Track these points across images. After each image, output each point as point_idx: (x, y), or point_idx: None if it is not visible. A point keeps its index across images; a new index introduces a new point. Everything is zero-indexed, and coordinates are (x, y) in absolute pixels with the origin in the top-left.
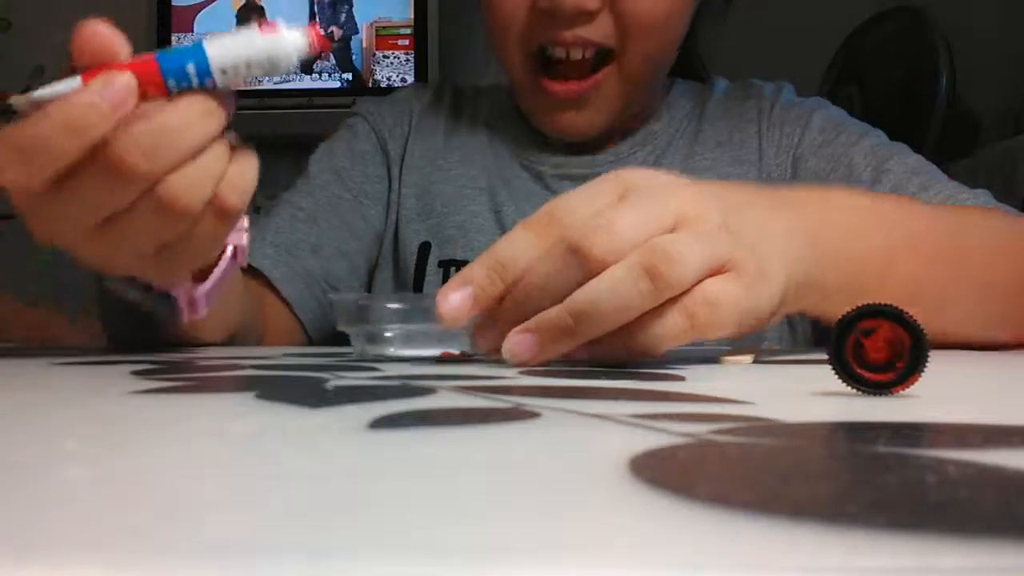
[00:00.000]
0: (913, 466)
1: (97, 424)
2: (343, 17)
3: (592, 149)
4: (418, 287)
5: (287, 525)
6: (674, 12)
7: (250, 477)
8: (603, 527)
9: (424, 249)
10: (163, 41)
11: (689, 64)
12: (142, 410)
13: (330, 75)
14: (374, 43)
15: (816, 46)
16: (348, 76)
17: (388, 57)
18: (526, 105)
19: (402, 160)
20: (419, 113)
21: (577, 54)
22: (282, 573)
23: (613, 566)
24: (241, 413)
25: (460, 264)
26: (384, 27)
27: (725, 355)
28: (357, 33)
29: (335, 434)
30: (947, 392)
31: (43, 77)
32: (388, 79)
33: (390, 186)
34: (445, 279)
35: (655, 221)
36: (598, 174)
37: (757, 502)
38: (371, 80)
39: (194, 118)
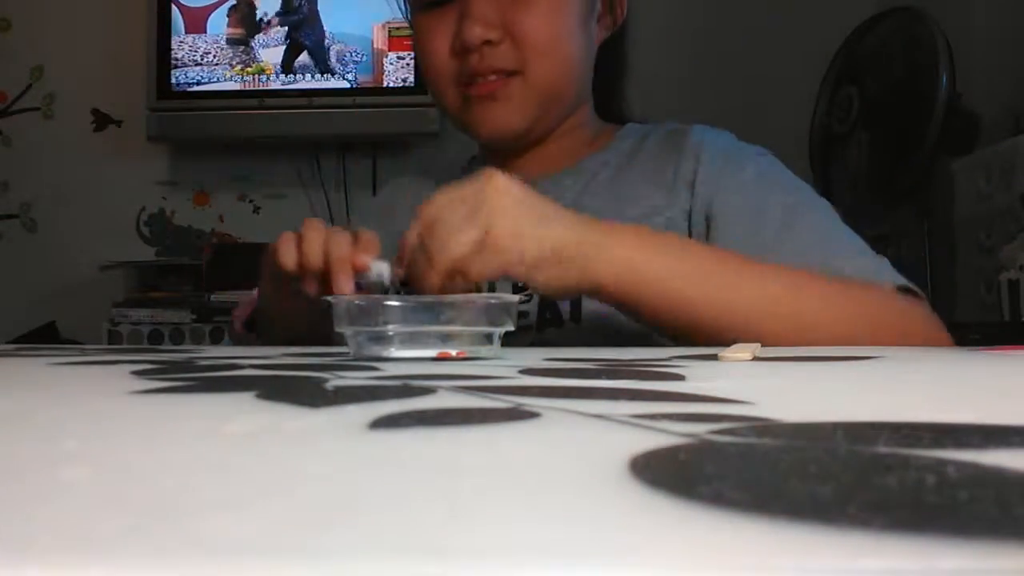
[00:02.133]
0: (913, 467)
1: (97, 424)
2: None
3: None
4: None
5: (287, 525)
6: (567, 35)
7: (250, 477)
8: (603, 527)
9: None
10: (163, 41)
11: (618, 112)
12: (142, 410)
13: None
14: (386, 44)
15: (816, 46)
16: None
17: (402, 58)
18: (461, 121)
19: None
20: (381, 208)
21: (491, 85)
22: (282, 573)
23: (613, 566)
24: (241, 413)
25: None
26: (396, 28)
27: (725, 352)
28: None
29: (335, 434)
30: (947, 392)
31: (42, 77)
32: (404, 80)
33: None
34: None
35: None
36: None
37: (756, 502)
38: (383, 80)
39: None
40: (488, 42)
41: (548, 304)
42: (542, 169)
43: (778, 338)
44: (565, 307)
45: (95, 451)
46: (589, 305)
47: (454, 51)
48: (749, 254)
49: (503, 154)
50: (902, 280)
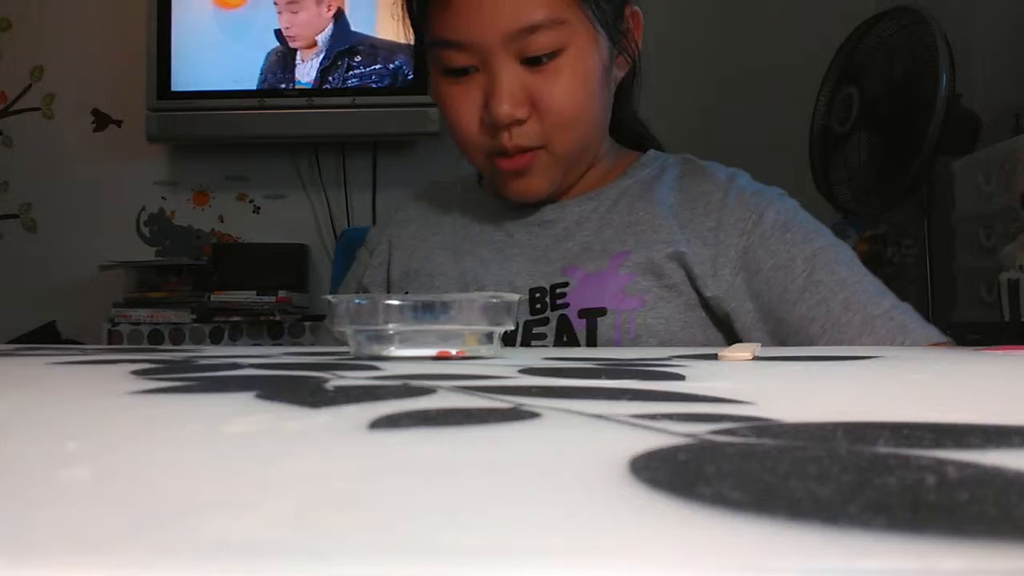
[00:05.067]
0: (913, 467)
1: (98, 424)
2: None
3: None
4: None
5: (289, 525)
6: (586, 106)
7: (251, 477)
8: (603, 527)
9: None
10: (163, 41)
11: (631, 132)
12: (143, 410)
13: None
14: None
15: (816, 46)
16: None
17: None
18: (492, 183)
19: (388, 261)
20: (396, 221)
21: (518, 162)
22: (283, 573)
23: (613, 566)
24: (242, 413)
25: None
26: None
27: (725, 352)
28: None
29: (336, 434)
30: (947, 392)
31: (42, 77)
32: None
33: (389, 290)
34: None
35: None
36: (547, 219)
37: (757, 503)
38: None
39: None
40: (516, 120)
41: (565, 328)
42: (568, 196)
43: None
44: (582, 334)
45: (96, 451)
46: (607, 333)
47: (483, 123)
48: (782, 307)
49: None
50: (932, 329)
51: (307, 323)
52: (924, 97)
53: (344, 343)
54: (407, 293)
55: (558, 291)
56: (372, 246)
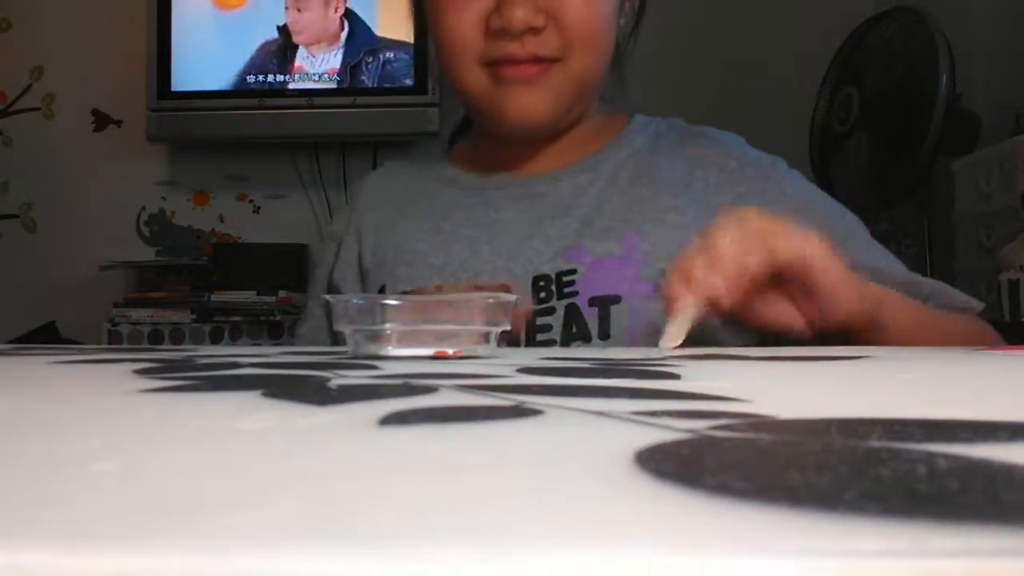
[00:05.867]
0: (905, 459)
1: (105, 422)
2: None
3: (534, 169)
4: None
5: (303, 521)
6: (607, 23)
7: (265, 474)
8: (614, 515)
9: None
10: (163, 41)
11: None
12: (149, 408)
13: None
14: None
15: (816, 46)
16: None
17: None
18: (483, 104)
19: (359, 252)
20: (361, 208)
21: (529, 69)
22: (302, 569)
23: (626, 551)
24: (249, 411)
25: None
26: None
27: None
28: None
29: (346, 431)
30: (939, 390)
31: (42, 77)
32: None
33: (363, 280)
34: None
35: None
36: (537, 192)
37: (759, 492)
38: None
39: None
40: (531, 28)
41: (574, 317)
42: (555, 163)
43: None
44: (593, 323)
45: (106, 448)
46: (620, 322)
47: (486, 30)
48: None
49: (508, 145)
50: (967, 297)
51: None
52: (924, 97)
53: (324, 343)
54: (384, 286)
55: (565, 279)
56: (337, 237)
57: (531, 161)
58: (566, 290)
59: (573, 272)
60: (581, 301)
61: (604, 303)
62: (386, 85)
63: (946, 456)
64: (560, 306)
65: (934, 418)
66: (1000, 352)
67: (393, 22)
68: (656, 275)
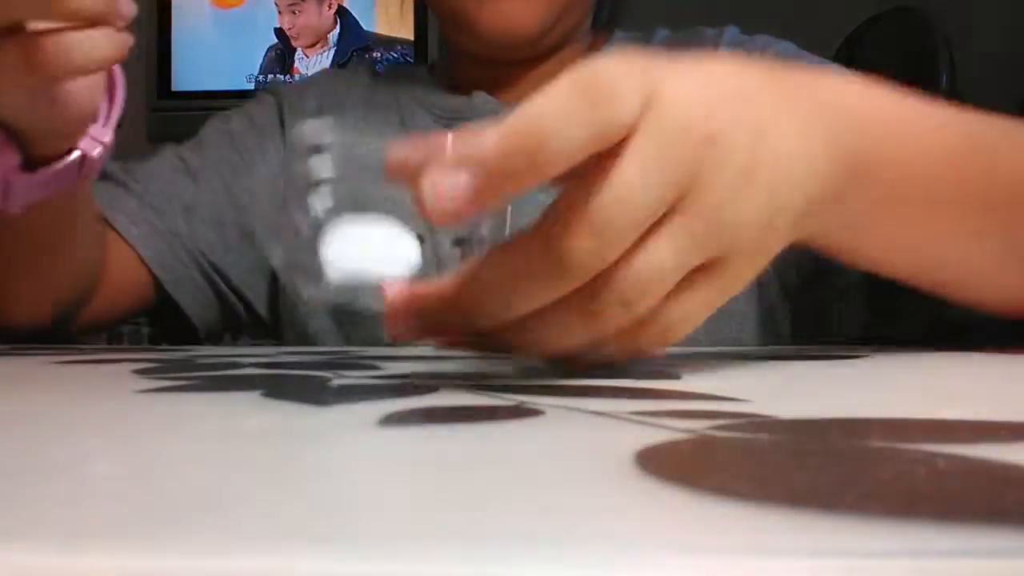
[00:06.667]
0: (905, 459)
1: (108, 422)
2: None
3: (511, 98)
4: None
5: (308, 520)
6: None
7: (266, 474)
8: (617, 515)
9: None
10: (163, 41)
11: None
12: (151, 408)
13: None
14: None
15: (816, 46)
16: None
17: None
18: (462, 14)
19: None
20: (330, 98)
21: None
22: (308, 569)
23: (629, 550)
24: (251, 411)
25: None
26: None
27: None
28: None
29: (347, 432)
30: (937, 391)
31: None
32: None
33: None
34: None
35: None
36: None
37: (760, 492)
38: None
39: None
40: None
41: None
42: (535, 91)
43: None
44: None
45: (109, 448)
46: None
47: None
48: None
49: (487, 68)
50: None
51: None
52: (924, 97)
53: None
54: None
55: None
56: (250, 155)
57: (509, 88)
58: None
59: None
60: None
61: None
62: None
63: (946, 456)
64: None
65: (933, 418)
66: (998, 352)
67: (392, 19)
68: None
